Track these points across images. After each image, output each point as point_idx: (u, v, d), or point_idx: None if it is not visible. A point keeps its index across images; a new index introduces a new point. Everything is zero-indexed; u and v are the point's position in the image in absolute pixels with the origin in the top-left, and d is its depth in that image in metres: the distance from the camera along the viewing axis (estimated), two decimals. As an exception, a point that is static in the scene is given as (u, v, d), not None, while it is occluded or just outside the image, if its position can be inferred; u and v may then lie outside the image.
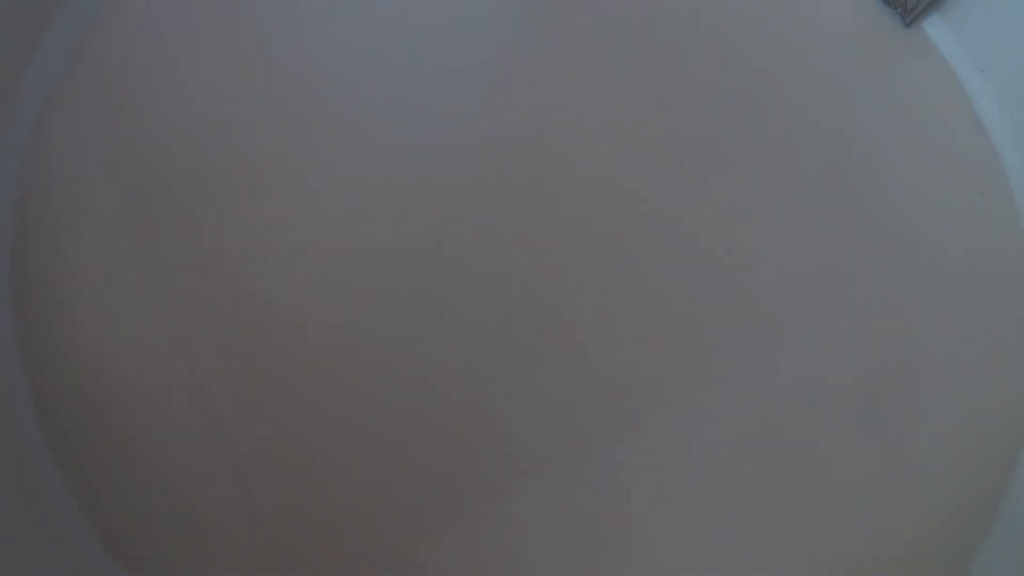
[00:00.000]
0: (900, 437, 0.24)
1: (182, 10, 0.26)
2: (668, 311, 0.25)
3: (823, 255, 0.26)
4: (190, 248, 0.24)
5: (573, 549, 0.23)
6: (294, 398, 0.23)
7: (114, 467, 0.23)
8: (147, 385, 0.23)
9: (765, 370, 0.24)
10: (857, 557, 0.23)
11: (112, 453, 0.23)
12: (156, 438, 0.23)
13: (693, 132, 0.26)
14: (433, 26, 0.26)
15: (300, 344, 0.24)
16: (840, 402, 0.24)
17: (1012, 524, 0.24)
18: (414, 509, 0.23)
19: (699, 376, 0.24)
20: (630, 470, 0.23)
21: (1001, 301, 0.26)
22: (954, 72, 0.28)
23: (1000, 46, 0.28)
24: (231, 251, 0.24)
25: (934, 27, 0.28)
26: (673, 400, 0.24)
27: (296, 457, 0.23)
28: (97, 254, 0.24)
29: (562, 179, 0.25)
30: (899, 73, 0.28)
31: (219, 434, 0.23)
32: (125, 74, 0.25)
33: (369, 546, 0.23)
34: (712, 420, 0.24)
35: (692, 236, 0.25)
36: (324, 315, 0.24)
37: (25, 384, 0.23)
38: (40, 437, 0.23)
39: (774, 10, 0.28)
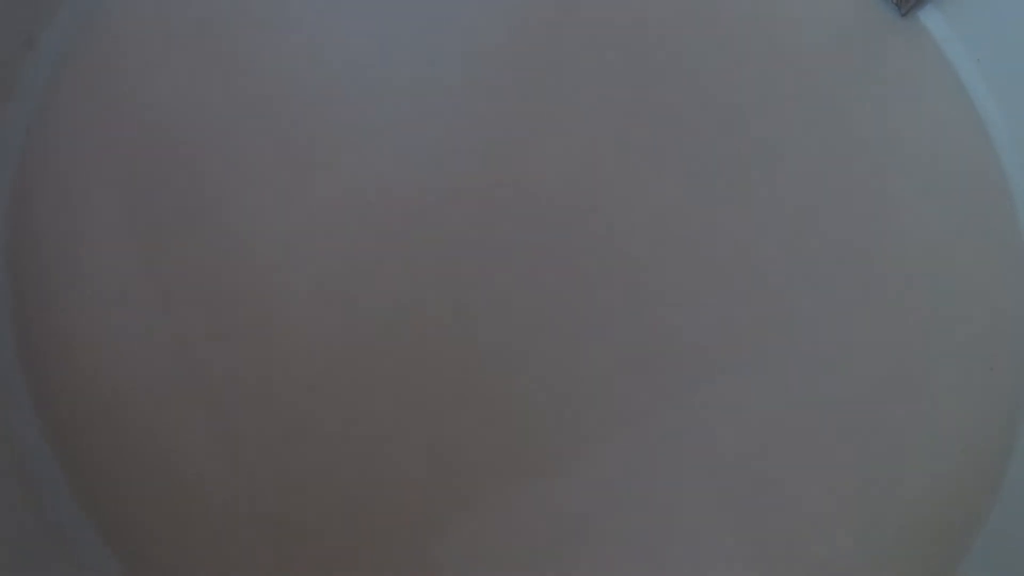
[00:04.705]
0: (895, 438, 0.25)
1: (175, 17, 0.26)
2: (666, 312, 0.25)
3: (818, 249, 0.26)
4: (191, 244, 0.24)
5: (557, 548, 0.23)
6: (299, 395, 0.23)
7: (117, 467, 0.23)
8: (149, 383, 0.23)
9: (761, 370, 0.24)
10: (850, 556, 0.24)
11: (115, 452, 0.23)
12: (159, 437, 0.23)
13: (686, 126, 0.26)
14: (434, 29, 0.26)
15: (304, 339, 0.23)
16: (836, 402, 0.25)
17: (1004, 525, 0.24)
18: (424, 508, 0.23)
19: (695, 377, 0.24)
20: (626, 469, 0.23)
21: (996, 297, 0.26)
22: (950, 62, 0.28)
23: (995, 36, 0.28)
24: (233, 248, 0.24)
25: (930, 17, 0.29)
26: (669, 401, 0.24)
27: (304, 457, 0.23)
28: (97, 250, 0.24)
29: (565, 181, 0.25)
30: (895, 63, 0.28)
31: (223, 432, 0.23)
32: (125, 69, 0.25)
33: (380, 547, 0.23)
34: (707, 420, 0.24)
35: (687, 234, 0.25)
36: (329, 311, 0.24)
37: (24, 383, 0.23)
38: (41, 438, 0.23)
39: (770, 2, 0.28)
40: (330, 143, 0.25)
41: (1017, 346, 0.26)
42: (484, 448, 0.23)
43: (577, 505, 0.23)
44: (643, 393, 0.24)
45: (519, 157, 0.25)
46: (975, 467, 0.25)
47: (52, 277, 0.24)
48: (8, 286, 0.24)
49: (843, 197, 0.26)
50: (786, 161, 0.26)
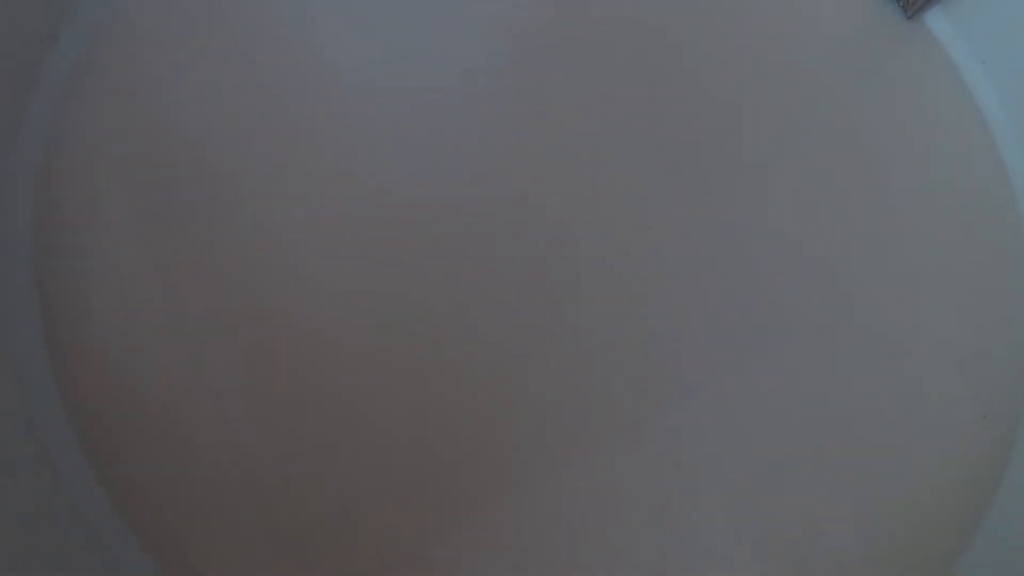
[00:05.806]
0: (896, 437, 0.24)
1: (192, 17, 0.26)
2: (667, 312, 0.25)
3: (822, 250, 0.26)
4: (204, 250, 0.24)
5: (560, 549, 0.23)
6: (300, 395, 0.23)
7: (144, 461, 0.23)
8: (164, 385, 0.23)
9: (760, 372, 0.24)
10: (850, 555, 0.24)
11: (142, 447, 0.23)
12: (182, 433, 0.23)
13: (689, 127, 0.26)
14: (435, 32, 0.26)
15: (305, 338, 0.24)
16: (836, 402, 0.24)
17: (1004, 525, 0.24)
18: (425, 508, 0.23)
19: (695, 379, 0.24)
20: (627, 469, 0.23)
21: (998, 297, 0.26)
22: (955, 64, 0.28)
23: (1001, 38, 0.28)
24: (242, 253, 0.24)
25: (936, 19, 0.29)
26: (669, 402, 0.24)
27: (302, 456, 0.23)
28: (117, 240, 0.24)
29: (565, 182, 0.25)
30: (901, 65, 0.28)
31: (232, 432, 0.23)
32: (138, 77, 0.25)
33: (380, 547, 0.23)
34: (707, 421, 0.24)
35: (688, 235, 0.25)
36: (332, 312, 0.24)
37: (52, 381, 0.23)
38: (69, 432, 0.23)
39: (776, 3, 0.28)
40: (334, 146, 0.25)
41: (1018, 345, 0.26)
42: (484, 449, 0.23)
43: (577, 505, 0.23)
44: (643, 394, 0.24)
45: (519, 159, 0.25)
46: (975, 467, 0.25)
47: (75, 268, 0.24)
48: (32, 271, 0.24)
49: (847, 199, 0.26)
50: (789, 162, 0.26)
